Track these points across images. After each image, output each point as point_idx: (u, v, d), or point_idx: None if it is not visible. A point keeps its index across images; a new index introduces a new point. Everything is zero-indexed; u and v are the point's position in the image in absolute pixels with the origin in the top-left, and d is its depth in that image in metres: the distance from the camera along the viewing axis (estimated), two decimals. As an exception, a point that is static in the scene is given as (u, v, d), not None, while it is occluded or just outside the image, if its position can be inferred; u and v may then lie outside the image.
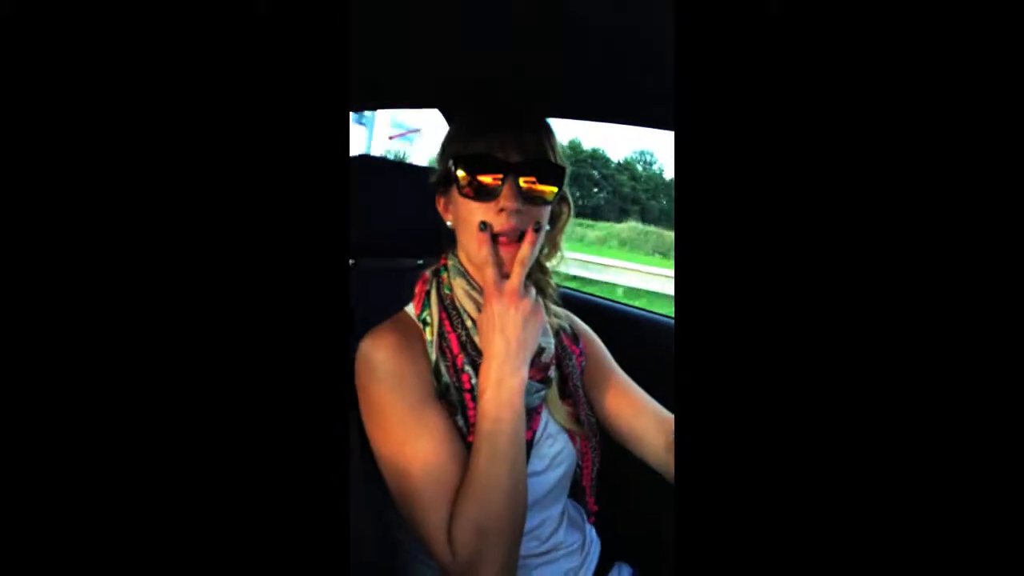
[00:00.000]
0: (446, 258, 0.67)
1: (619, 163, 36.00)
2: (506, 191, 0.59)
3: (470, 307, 0.64)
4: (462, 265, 0.65)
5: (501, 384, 0.57)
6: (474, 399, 0.60)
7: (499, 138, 0.60)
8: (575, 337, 0.75)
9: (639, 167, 36.48)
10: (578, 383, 0.72)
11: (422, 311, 0.64)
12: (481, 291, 0.63)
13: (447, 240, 0.67)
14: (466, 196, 0.60)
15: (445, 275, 0.66)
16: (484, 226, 0.59)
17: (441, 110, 1.12)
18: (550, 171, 0.61)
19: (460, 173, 0.60)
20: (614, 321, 1.20)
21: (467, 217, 0.60)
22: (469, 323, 0.63)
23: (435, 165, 0.68)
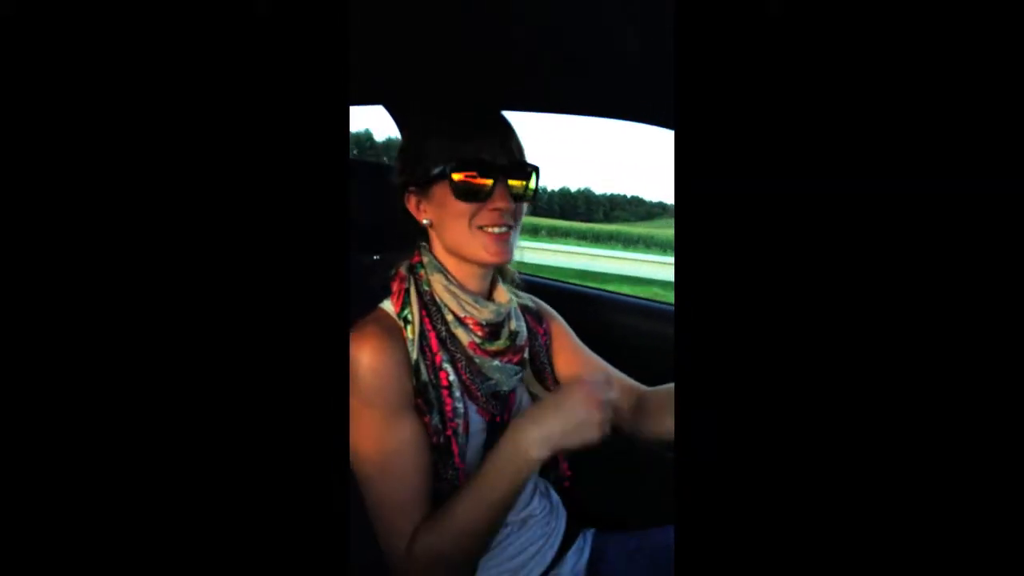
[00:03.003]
0: (419, 254, 0.69)
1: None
2: (499, 192, 0.63)
3: (450, 302, 0.66)
4: (439, 261, 0.68)
5: (525, 455, 0.56)
6: (451, 396, 0.63)
7: (490, 141, 0.64)
8: (539, 317, 0.79)
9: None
10: (544, 360, 0.77)
11: (402, 309, 0.65)
12: (459, 285, 0.66)
13: (420, 237, 0.70)
14: (461, 198, 0.63)
15: (422, 272, 0.68)
16: (506, 239, 0.65)
17: (389, 109, 1.15)
18: (530, 172, 0.67)
19: (457, 176, 0.62)
20: (572, 301, 1.28)
21: (458, 217, 0.63)
22: (449, 317, 0.65)
23: (394, 164, 0.71)
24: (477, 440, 0.65)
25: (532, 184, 0.67)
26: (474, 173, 0.63)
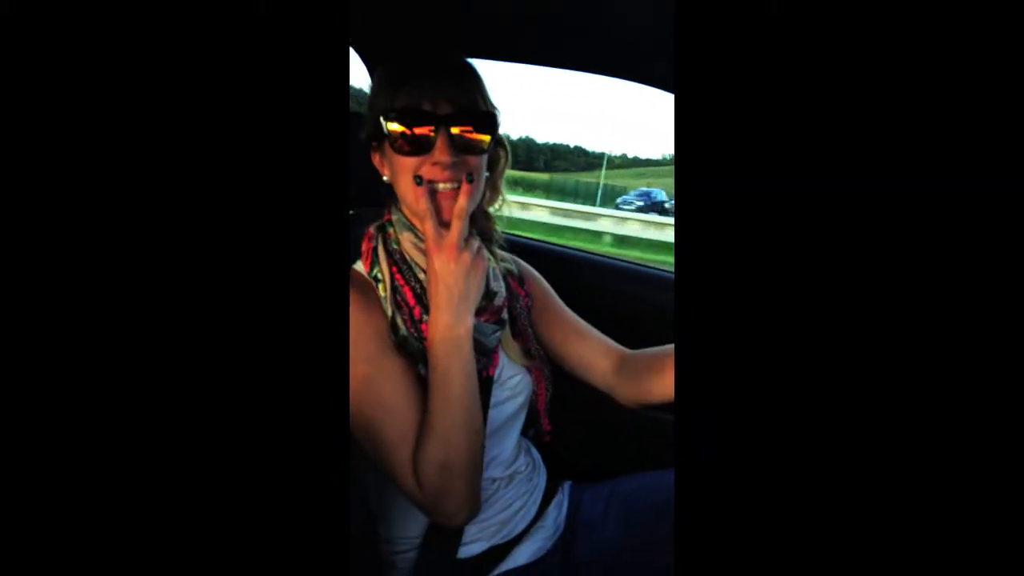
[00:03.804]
0: (389, 213, 0.67)
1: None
2: (439, 143, 0.59)
3: (421, 259, 0.65)
4: (407, 219, 0.66)
5: (448, 333, 0.59)
6: None
7: (425, 88, 0.60)
8: (521, 279, 0.78)
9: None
10: (526, 322, 0.76)
11: (372, 268, 0.65)
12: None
13: (388, 194, 0.67)
14: (400, 151, 0.60)
15: (391, 230, 0.66)
16: (419, 180, 0.59)
17: (362, 56, 1.11)
18: (482, 119, 0.62)
19: (392, 127, 0.59)
20: (554, 261, 1.30)
21: (402, 172, 0.61)
22: (421, 275, 0.64)
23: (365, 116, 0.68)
24: None
25: (487, 134, 0.62)
26: (407, 123, 0.59)
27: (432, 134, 0.59)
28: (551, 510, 0.77)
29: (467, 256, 0.60)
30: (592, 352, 0.78)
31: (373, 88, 0.65)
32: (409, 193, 0.61)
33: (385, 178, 0.65)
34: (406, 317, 0.63)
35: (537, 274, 0.83)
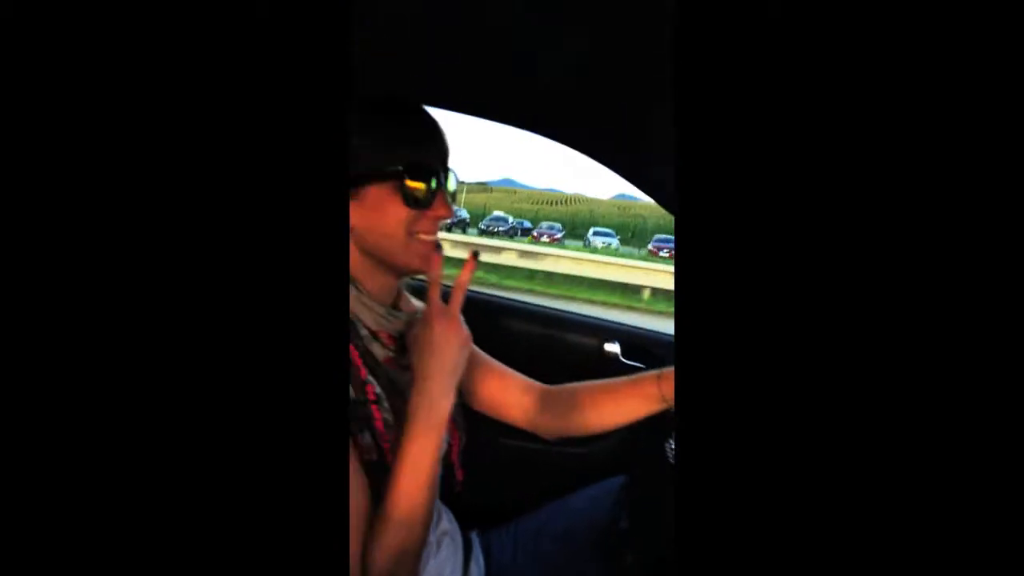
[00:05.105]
0: None
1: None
2: (440, 200, 0.61)
3: (364, 315, 0.62)
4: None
5: (432, 406, 0.57)
6: (381, 410, 0.59)
7: (436, 145, 0.62)
8: None
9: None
10: None
11: None
12: (371, 296, 0.63)
13: None
14: (412, 204, 0.60)
15: None
16: (440, 247, 0.61)
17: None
18: (454, 176, 0.65)
19: (412, 182, 0.59)
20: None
21: (397, 224, 0.60)
22: (364, 332, 0.62)
23: None
24: None
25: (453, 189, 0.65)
26: (423, 178, 0.60)
27: (434, 189, 0.60)
28: (472, 567, 0.76)
29: (465, 330, 0.61)
30: (511, 390, 0.78)
31: (362, 140, 0.62)
32: (395, 243, 0.60)
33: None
34: (353, 377, 0.59)
35: None
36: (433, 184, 0.60)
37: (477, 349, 0.79)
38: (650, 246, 19.01)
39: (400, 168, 0.59)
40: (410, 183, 0.59)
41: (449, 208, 0.61)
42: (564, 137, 0.95)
